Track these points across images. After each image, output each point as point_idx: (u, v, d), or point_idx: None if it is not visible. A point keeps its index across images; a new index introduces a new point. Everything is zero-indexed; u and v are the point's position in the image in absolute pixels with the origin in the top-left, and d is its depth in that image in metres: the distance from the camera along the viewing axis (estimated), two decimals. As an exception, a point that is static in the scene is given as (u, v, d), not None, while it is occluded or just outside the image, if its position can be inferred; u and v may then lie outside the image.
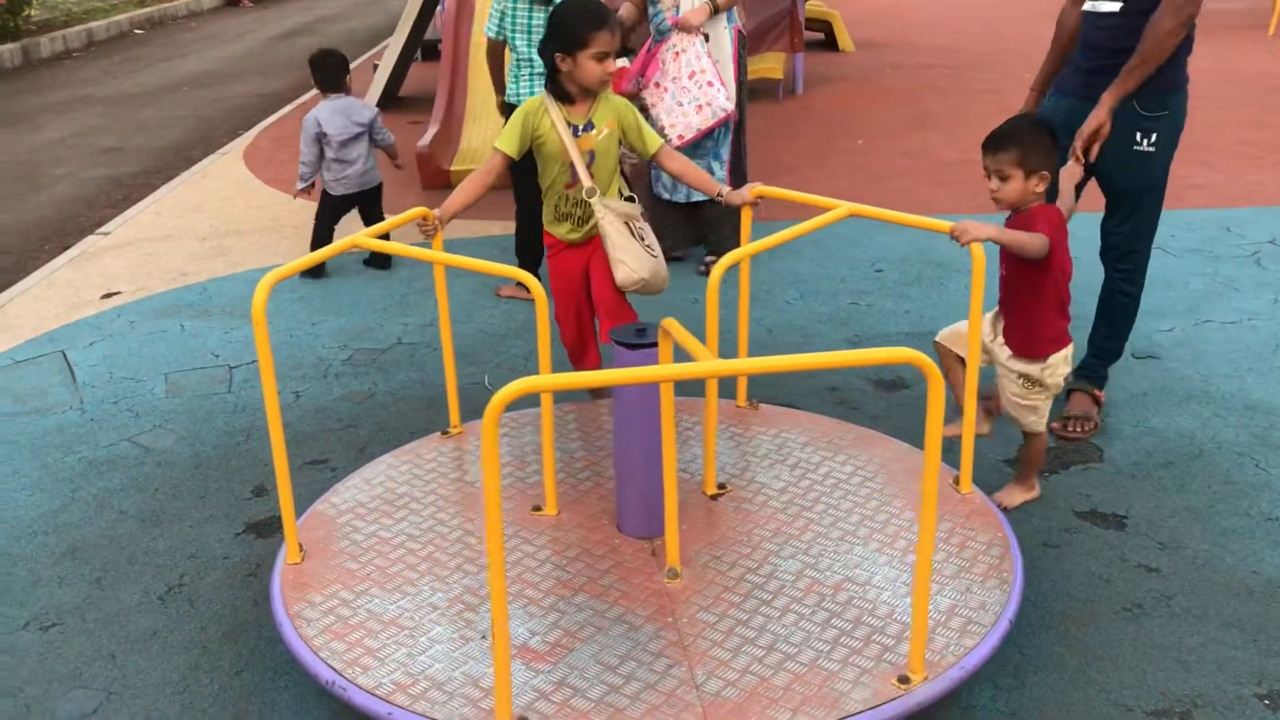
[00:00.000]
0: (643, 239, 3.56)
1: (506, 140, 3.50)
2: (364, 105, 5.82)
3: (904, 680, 2.46)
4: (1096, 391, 3.98)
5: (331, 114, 5.64)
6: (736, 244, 5.60)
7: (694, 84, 5.20)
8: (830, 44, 12.15)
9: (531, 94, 4.90)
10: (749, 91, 5.75)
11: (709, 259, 5.58)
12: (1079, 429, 3.85)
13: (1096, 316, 4.01)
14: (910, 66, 11.10)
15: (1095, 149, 3.56)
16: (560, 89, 3.48)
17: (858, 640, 2.60)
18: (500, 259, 5.39)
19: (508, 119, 3.78)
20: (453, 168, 7.36)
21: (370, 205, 5.89)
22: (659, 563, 2.92)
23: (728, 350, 4.30)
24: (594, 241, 3.63)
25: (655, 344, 2.87)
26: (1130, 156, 3.66)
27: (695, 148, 5.31)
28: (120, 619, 3.08)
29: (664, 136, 5.25)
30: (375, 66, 10.13)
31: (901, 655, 2.54)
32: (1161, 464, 3.68)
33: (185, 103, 11.09)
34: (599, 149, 3.50)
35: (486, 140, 7.87)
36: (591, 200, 3.50)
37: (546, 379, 2.13)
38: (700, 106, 5.21)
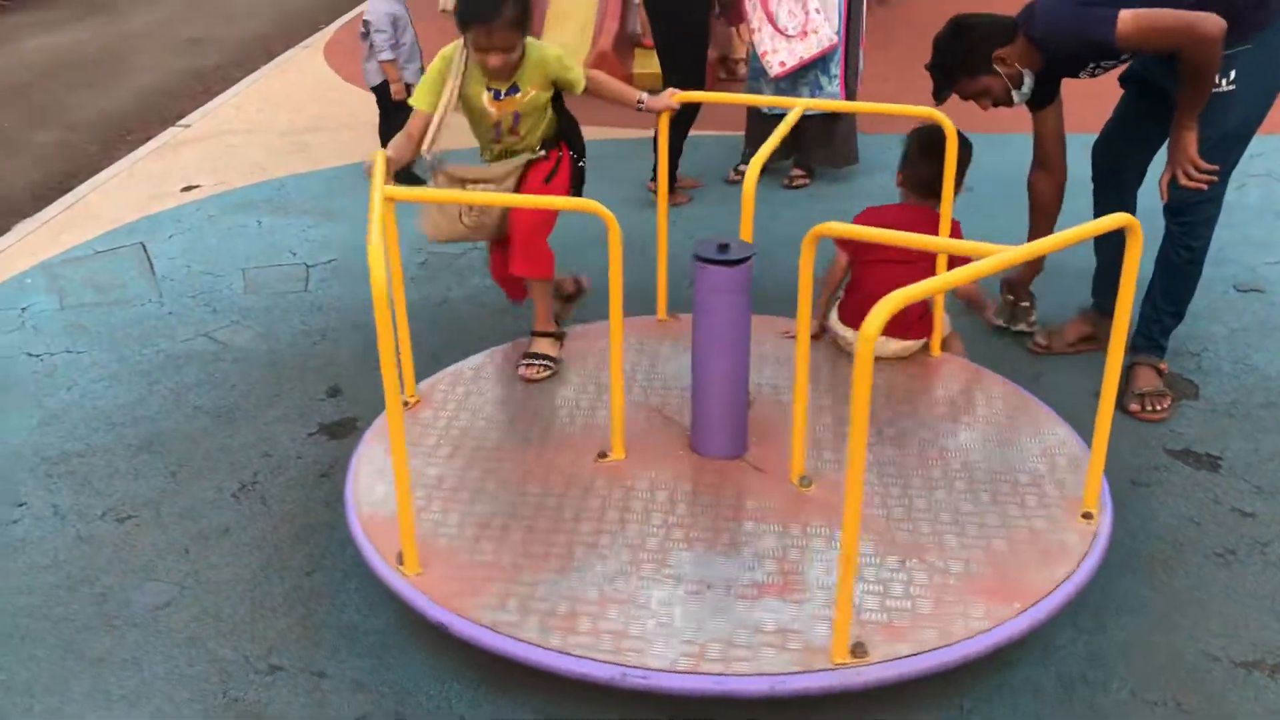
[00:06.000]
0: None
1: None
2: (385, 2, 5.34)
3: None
4: (1161, 365, 3.57)
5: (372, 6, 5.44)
6: (826, 158, 5.50)
7: (800, 8, 5.07)
8: (926, -51, 11.68)
9: None
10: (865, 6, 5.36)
11: (796, 172, 5.45)
12: (1157, 406, 3.44)
13: (1154, 276, 3.52)
14: (1010, -25, 10.63)
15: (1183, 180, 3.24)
16: None
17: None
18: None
19: None
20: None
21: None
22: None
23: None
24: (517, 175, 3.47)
25: (742, 261, 2.78)
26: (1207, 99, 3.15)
27: (800, 73, 5.18)
28: (194, 514, 3.10)
29: (765, 64, 5.14)
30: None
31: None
32: (1262, 404, 3.51)
33: (267, -5, 11.02)
34: (524, 110, 3.34)
35: (566, 45, 7.71)
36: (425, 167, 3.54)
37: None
38: (805, 34, 5.06)
